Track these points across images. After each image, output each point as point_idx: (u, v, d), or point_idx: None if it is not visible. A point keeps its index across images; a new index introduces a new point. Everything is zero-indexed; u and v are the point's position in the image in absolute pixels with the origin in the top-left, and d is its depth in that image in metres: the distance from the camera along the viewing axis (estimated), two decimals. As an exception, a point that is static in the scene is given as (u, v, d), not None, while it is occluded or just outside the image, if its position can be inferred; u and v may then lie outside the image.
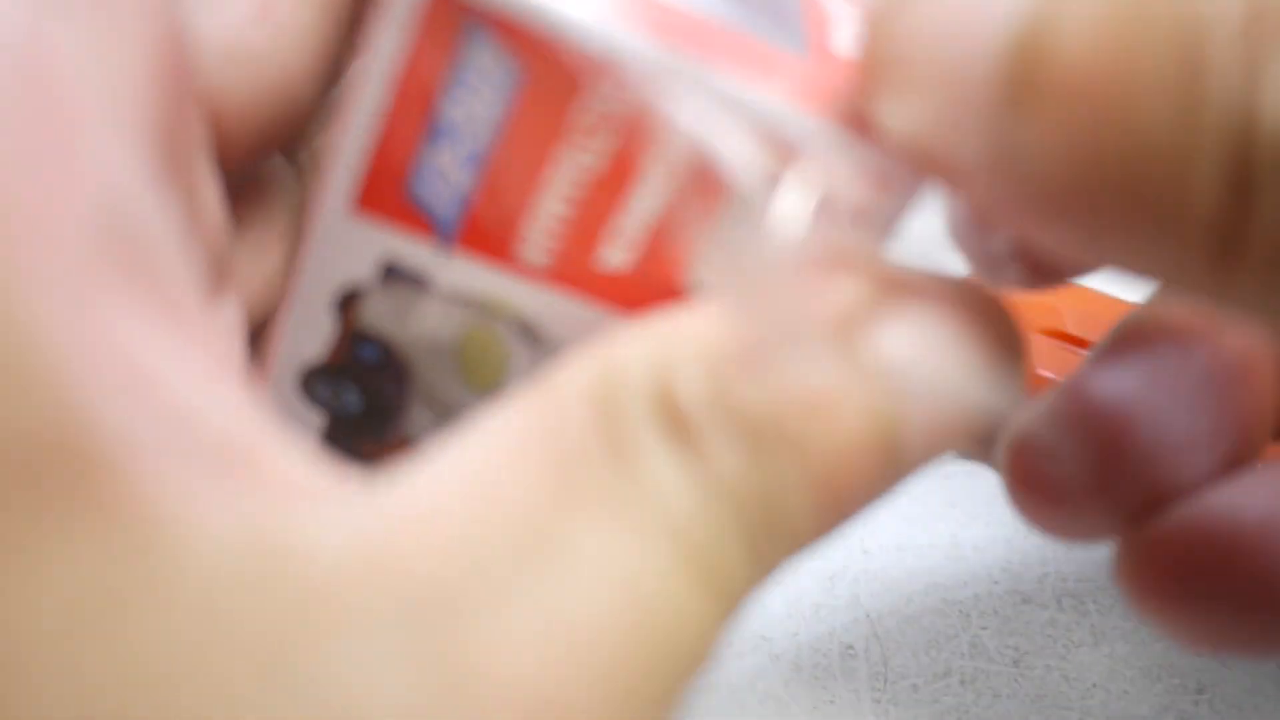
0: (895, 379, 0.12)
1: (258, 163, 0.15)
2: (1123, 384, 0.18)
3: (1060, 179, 0.11)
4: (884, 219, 0.13)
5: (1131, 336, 0.19)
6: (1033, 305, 0.29)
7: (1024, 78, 0.10)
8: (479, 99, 0.12)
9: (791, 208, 0.12)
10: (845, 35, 0.14)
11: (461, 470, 0.11)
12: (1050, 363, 0.29)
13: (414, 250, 0.14)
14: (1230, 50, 0.10)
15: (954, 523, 0.29)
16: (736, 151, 0.12)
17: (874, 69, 0.12)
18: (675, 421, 0.12)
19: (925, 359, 0.12)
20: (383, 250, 0.14)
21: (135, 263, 0.10)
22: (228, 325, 0.14)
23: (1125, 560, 0.19)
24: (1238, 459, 0.18)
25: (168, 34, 0.12)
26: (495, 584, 0.11)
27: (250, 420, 0.11)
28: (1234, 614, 0.17)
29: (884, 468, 0.12)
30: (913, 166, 0.13)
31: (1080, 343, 0.29)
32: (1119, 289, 0.31)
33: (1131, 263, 0.11)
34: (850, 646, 0.27)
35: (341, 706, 0.10)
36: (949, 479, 0.30)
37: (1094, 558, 0.29)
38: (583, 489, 0.11)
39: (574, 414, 0.12)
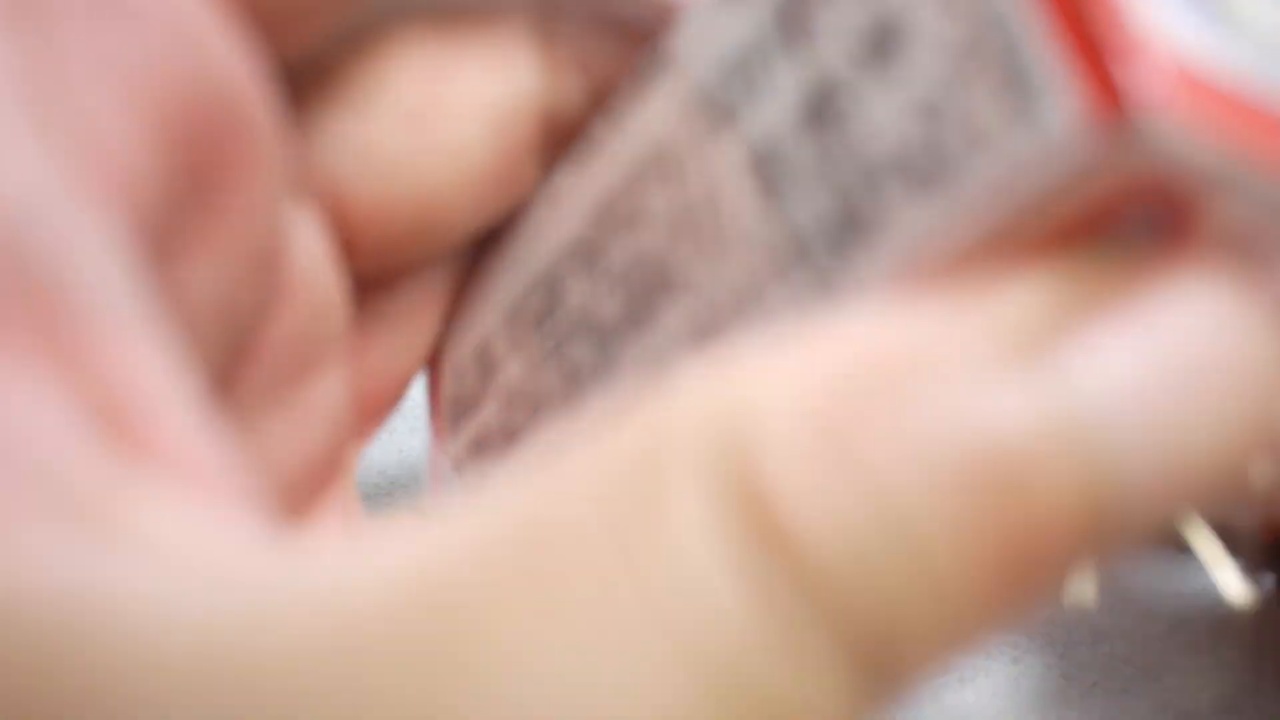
0: (1104, 422, 0.09)
1: (398, 267, 0.14)
2: None
3: None
4: None
5: None
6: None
7: None
8: None
9: None
10: None
11: (417, 559, 0.09)
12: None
13: None
14: None
15: (954, 521, 0.29)
16: None
17: None
18: (744, 498, 0.09)
19: (1151, 391, 0.09)
20: None
21: (19, 286, 0.09)
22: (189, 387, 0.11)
23: None
24: None
25: (182, 73, 0.11)
26: None
27: (112, 475, 0.09)
28: None
29: (1079, 554, 0.09)
30: None
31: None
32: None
33: None
34: (850, 645, 0.27)
35: None
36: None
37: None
38: (573, 598, 0.08)
39: (585, 492, 0.09)
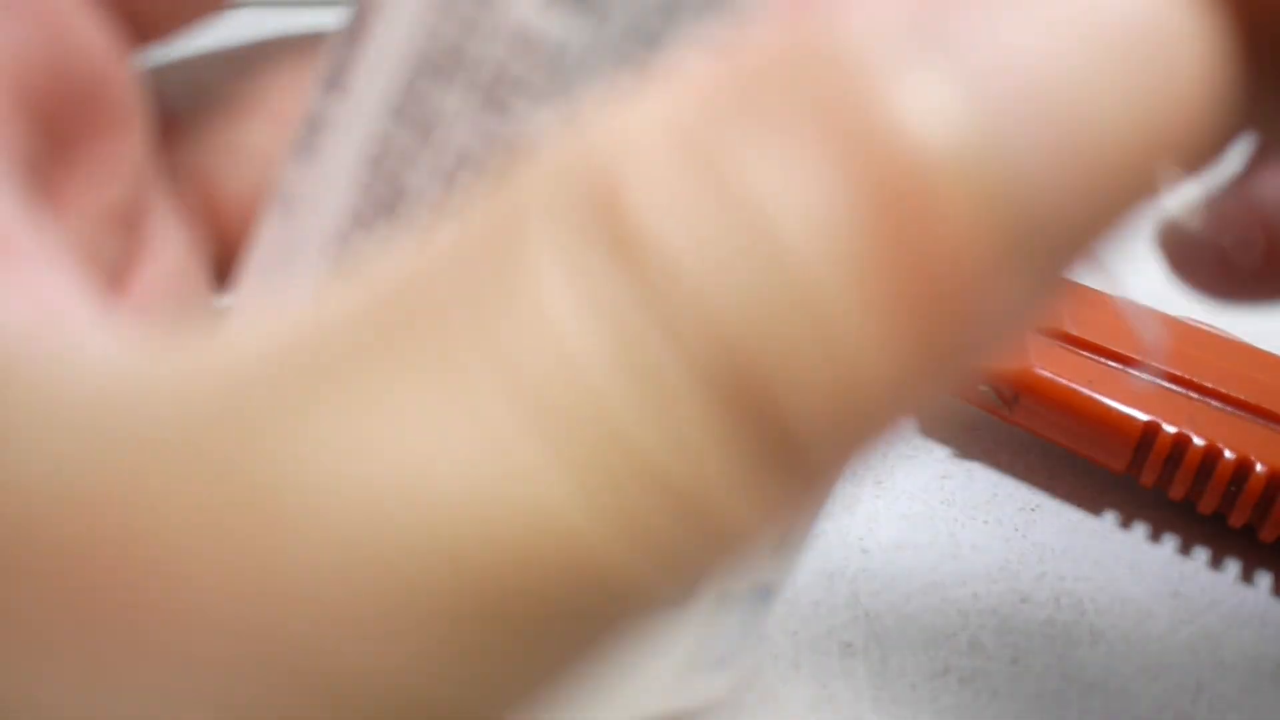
0: (1008, 123, 0.08)
1: None
2: None
3: None
4: None
5: None
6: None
7: None
8: None
9: None
10: None
11: (271, 336, 0.09)
12: (1050, 363, 0.29)
13: None
14: None
15: (952, 522, 0.30)
16: None
17: None
18: (603, 229, 0.08)
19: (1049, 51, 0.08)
20: None
21: None
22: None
23: None
24: None
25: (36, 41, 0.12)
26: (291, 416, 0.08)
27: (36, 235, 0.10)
28: None
29: (993, 284, 0.08)
30: None
31: (1080, 343, 0.29)
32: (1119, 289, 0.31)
33: None
34: (849, 645, 0.27)
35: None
36: (948, 478, 0.30)
37: (1093, 556, 0.29)
38: (419, 365, 0.08)
39: (442, 260, 0.08)
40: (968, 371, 0.08)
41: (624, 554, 0.08)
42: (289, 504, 0.08)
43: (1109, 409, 0.28)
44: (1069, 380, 0.28)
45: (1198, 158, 0.08)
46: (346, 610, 0.08)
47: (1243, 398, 0.28)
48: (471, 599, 0.08)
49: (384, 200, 0.13)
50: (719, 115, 0.08)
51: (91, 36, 0.13)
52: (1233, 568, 0.29)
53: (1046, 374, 0.29)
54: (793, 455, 0.08)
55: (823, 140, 0.08)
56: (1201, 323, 0.31)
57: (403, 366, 0.08)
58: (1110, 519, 0.30)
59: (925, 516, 0.30)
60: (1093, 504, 0.30)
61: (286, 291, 0.13)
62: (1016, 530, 0.29)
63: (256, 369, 0.08)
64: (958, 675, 0.27)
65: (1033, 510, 0.30)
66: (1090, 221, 0.08)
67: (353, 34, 0.13)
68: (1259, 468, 0.27)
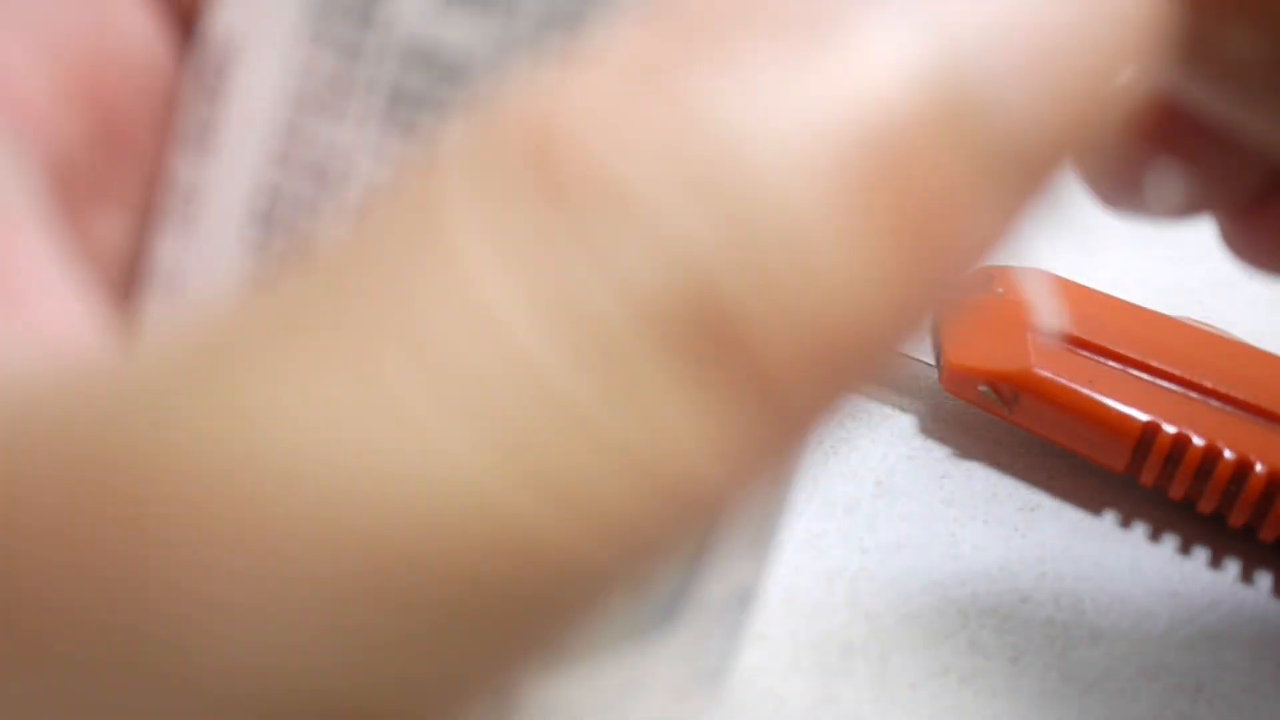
0: (980, 71, 0.08)
1: None
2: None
3: None
4: None
5: None
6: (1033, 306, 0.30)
7: None
8: None
9: None
10: None
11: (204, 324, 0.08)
12: (1050, 363, 0.29)
13: None
14: None
15: (952, 521, 0.30)
16: None
17: None
18: (529, 161, 0.07)
19: None
20: None
21: None
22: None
23: (1231, 236, 0.17)
24: None
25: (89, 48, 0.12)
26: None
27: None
28: None
29: (976, 177, 0.08)
30: None
31: (1080, 343, 0.29)
32: (1119, 289, 0.31)
33: None
34: (849, 645, 0.27)
35: None
36: (947, 478, 0.30)
37: (1092, 556, 0.29)
38: (342, 337, 0.07)
39: (369, 233, 0.08)
40: (941, 302, 0.08)
41: (568, 531, 0.07)
42: (185, 489, 0.07)
43: (1109, 409, 0.28)
44: (1069, 380, 0.28)
45: (1153, 67, 0.08)
46: (231, 595, 0.07)
47: (1243, 398, 0.28)
48: (386, 583, 0.07)
49: (287, 255, 0.12)
50: (672, 49, 0.07)
51: (142, 28, 0.12)
52: (1233, 568, 0.29)
53: (1046, 374, 0.29)
54: (766, 400, 0.07)
55: (795, 67, 0.07)
56: (1201, 323, 0.31)
57: (318, 345, 0.07)
58: (1110, 519, 0.30)
59: (925, 516, 0.30)
60: (1092, 504, 0.30)
61: None
62: (1016, 530, 0.29)
63: (174, 353, 0.08)
64: (958, 675, 0.27)
65: (1033, 510, 0.30)
66: (1058, 136, 0.08)
67: (212, 91, 0.12)
68: (1259, 468, 0.27)
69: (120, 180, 0.12)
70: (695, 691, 0.13)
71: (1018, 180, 0.08)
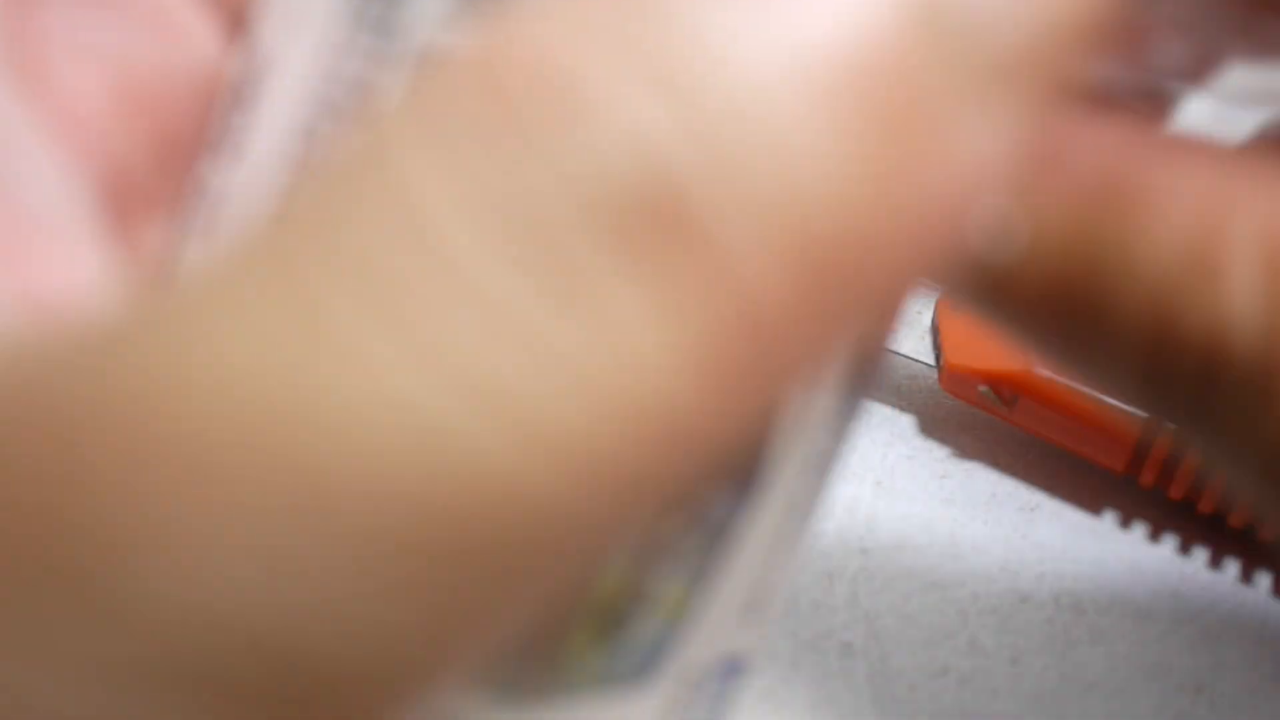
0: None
1: None
2: None
3: None
4: None
5: None
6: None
7: None
8: None
9: None
10: None
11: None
12: (1050, 364, 0.29)
13: None
14: None
15: (952, 521, 0.30)
16: None
17: None
18: (471, 79, 0.07)
19: None
20: None
21: None
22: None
23: None
24: None
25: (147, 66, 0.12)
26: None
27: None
28: None
29: (956, 81, 0.07)
30: None
31: (1079, 342, 0.29)
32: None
33: None
34: (848, 645, 0.27)
35: None
36: (947, 478, 0.30)
37: (1092, 556, 0.29)
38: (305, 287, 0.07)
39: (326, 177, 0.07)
40: (929, 212, 0.07)
41: (519, 456, 0.07)
42: (122, 418, 0.07)
43: (1109, 409, 0.28)
44: (1069, 380, 0.28)
45: None
46: (168, 526, 0.07)
47: (1242, 398, 0.28)
48: (322, 513, 0.07)
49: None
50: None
51: (206, 42, 0.12)
52: (1232, 568, 0.29)
53: (1046, 374, 0.29)
54: (735, 304, 0.07)
55: None
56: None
57: (259, 281, 0.07)
58: (1110, 519, 0.30)
59: (925, 516, 0.30)
60: (1092, 504, 0.30)
61: None
62: (1016, 530, 0.29)
63: (134, 308, 0.08)
64: (957, 675, 0.27)
65: (1033, 510, 0.30)
66: (1037, 44, 0.08)
67: (246, 100, 0.12)
68: (1259, 468, 0.27)
69: (168, 193, 0.13)
70: None
71: (1002, 90, 0.07)
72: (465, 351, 0.07)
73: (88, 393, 0.07)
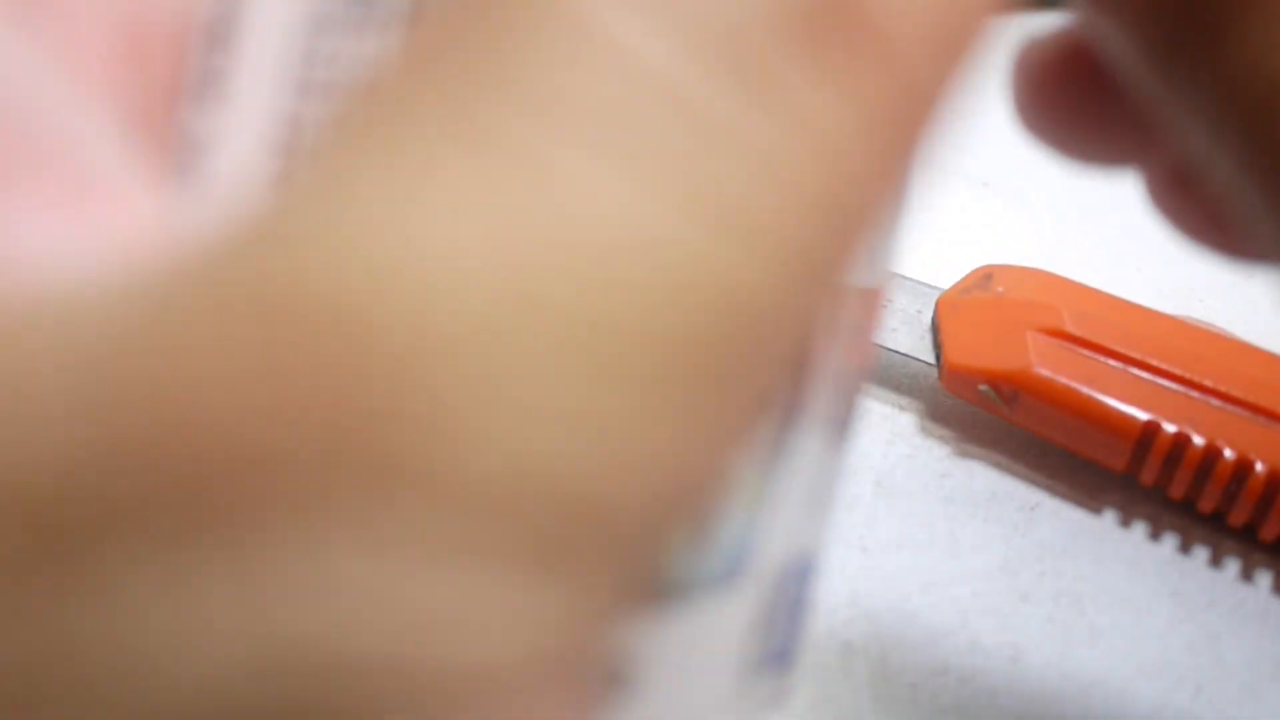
0: None
1: None
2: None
3: None
4: None
5: None
6: (1032, 305, 0.30)
7: None
8: None
9: None
10: None
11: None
12: (1050, 362, 0.29)
13: None
14: None
15: (952, 520, 0.30)
16: None
17: None
18: None
19: None
20: None
21: (31, 158, 0.10)
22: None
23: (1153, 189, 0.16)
24: None
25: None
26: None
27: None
28: None
29: None
30: None
31: (1080, 342, 0.29)
32: (1119, 289, 0.31)
33: None
34: (849, 643, 0.27)
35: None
36: (947, 477, 0.30)
37: (1092, 556, 0.29)
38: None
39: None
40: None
41: (737, 257, 0.07)
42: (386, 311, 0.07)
43: (1108, 408, 0.28)
44: (1068, 379, 0.28)
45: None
46: (460, 399, 0.07)
47: (1243, 397, 0.28)
48: (584, 353, 0.07)
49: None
50: None
51: None
52: (1232, 567, 0.29)
53: (1046, 373, 0.29)
54: (897, 77, 0.08)
55: None
56: (1202, 322, 0.31)
57: (437, 131, 0.07)
58: (1110, 518, 0.30)
59: (925, 515, 0.30)
60: (1092, 503, 0.30)
61: None
62: (1016, 529, 0.29)
63: (295, 194, 0.07)
64: (957, 674, 0.27)
65: (1032, 509, 0.30)
66: None
67: (222, 39, 0.12)
68: (1259, 467, 0.27)
69: (169, 134, 0.13)
70: (765, 673, 0.13)
71: None
72: (688, 168, 0.07)
73: (333, 294, 0.07)
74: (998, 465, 0.31)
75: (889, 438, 0.31)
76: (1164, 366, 0.29)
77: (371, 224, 0.07)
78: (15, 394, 0.07)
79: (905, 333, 0.31)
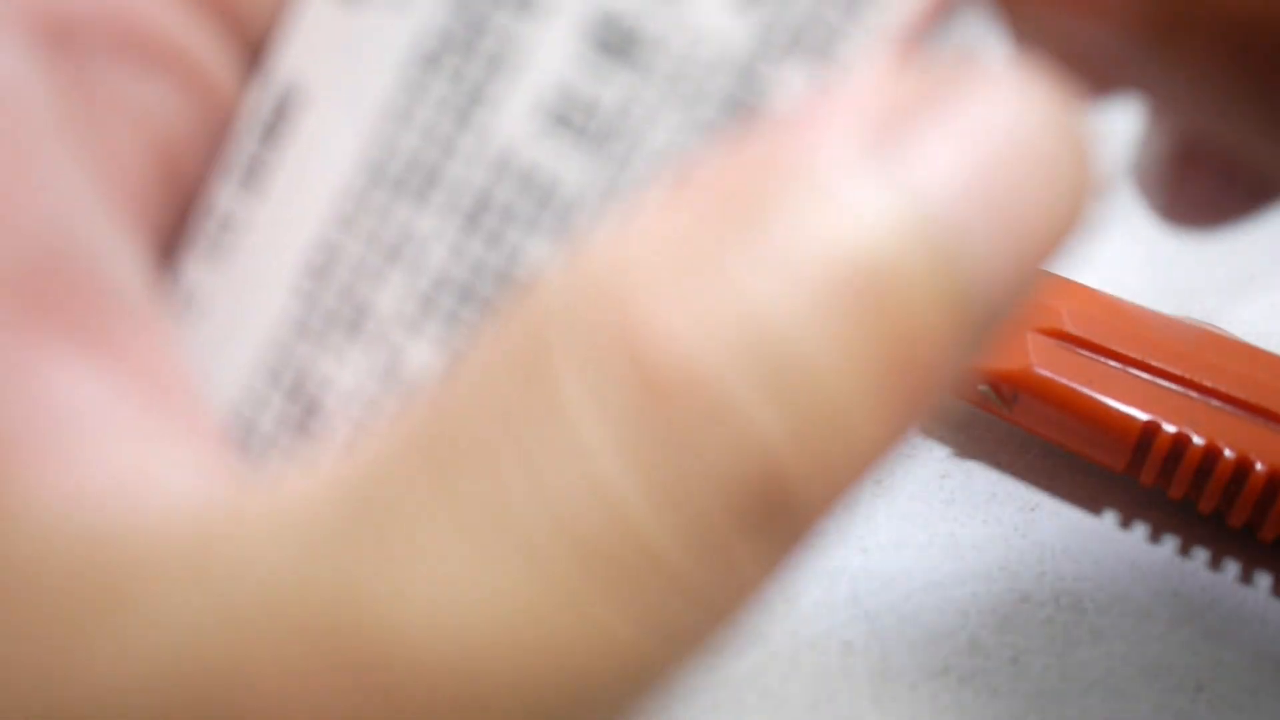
0: (954, 219, 0.09)
1: None
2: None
3: None
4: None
5: None
6: (1032, 305, 0.30)
7: None
8: None
9: None
10: None
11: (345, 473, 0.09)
12: (1050, 362, 0.29)
13: None
14: None
15: (952, 521, 0.30)
16: None
17: None
18: (624, 355, 0.09)
19: (977, 173, 0.09)
20: None
21: (63, 295, 0.11)
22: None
23: None
24: None
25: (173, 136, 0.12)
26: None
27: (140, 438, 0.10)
28: None
29: (957, 355, 0.09)
30: None
31: (1080, 342, 0.29)
32: (1118, 289, 0.31)
33: None
34: (849, 644, 0.27)
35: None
36: (947, 477, 0.30)
37: (1092, 556, 0.29)
38: (468, 495, 0.09)
39: (473, 389, 0.09)
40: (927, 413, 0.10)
41: (653, 651, 0.09)
42: (392, 655, 0.09)
43: (1108, 408, 0.28)
44: (1068, 380, 0.28)
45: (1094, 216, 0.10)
46: None
47: (1243, 397, 0.28)
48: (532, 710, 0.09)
49: (339, 315, 0.12)
50: (701, 226, 0.09)
51: (217, 65, 0.13)
52: (1232, 568, 0.29)
53: (1046, 373, 0.29)
54: (797, 524, 0.09)
55: (801, 249, 0.09)
56: (1202, 323, 0.31)
57: (457, 506, 0.09)
58: (1110, 519, 0.30)
59: (925, 516, 0.30)
60: (1092, 503, 0.30)
61: (217, 398, 0.13)
62: (1016, 530, 0.29)
63: (330, 521, 0.09)
64: (957, 674, 0.27)
65: (1033, 510, 0.30)
66: (1023, 284, 0.10)
67: (270, 130, 0.12)
68: (1259, 467, 0.27)
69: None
70: None
71: (992, 319, 0.10)
72: (643, 596, 0.09)
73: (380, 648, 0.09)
74: (998, 466, 0.31)
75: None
76: (1164, 367, 0.29)
77: (391, 585, 0.09)
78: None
79: (905, 333, 0.31)
